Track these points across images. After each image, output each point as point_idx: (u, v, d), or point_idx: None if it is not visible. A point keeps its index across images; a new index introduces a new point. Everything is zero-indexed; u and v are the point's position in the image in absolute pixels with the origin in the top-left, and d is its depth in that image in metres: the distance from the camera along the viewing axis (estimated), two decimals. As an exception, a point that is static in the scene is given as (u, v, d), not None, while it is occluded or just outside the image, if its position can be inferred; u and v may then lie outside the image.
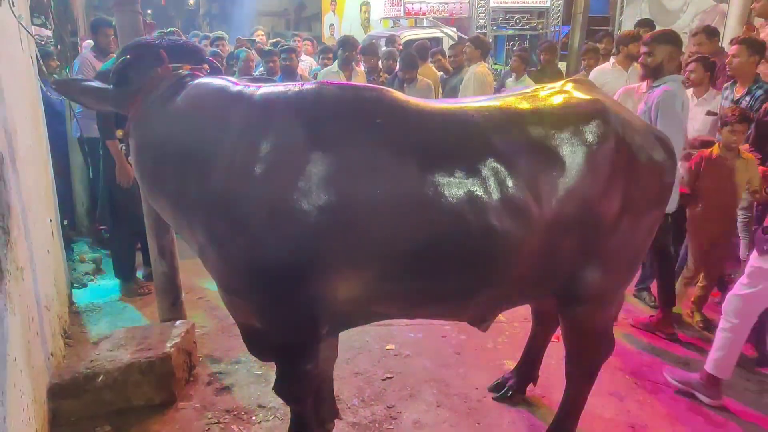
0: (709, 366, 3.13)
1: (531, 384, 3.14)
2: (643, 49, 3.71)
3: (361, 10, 15.57)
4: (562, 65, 8.10)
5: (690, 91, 4.51)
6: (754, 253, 2.99)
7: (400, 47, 7.70)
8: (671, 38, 3.73)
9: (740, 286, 3.06)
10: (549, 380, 3.15)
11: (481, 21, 10.24)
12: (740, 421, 3.05)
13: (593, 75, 5.70)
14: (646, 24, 6.31)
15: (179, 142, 2.17)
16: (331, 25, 17.11)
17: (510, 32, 10.41)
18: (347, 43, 5.87)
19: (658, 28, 6.31)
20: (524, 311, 3.15)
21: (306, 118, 2.08)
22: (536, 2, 10.28)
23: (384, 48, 7.50)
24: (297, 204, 2.00)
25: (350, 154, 2.05)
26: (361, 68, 6.19)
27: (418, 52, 6.31)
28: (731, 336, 3.06)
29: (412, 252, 2.09)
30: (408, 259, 2.10)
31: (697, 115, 4.67)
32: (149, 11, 18.85)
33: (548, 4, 10.22)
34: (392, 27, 12.03)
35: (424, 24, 11.32)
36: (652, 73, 3.68)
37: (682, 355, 3.69)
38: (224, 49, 6.89)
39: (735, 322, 3.05)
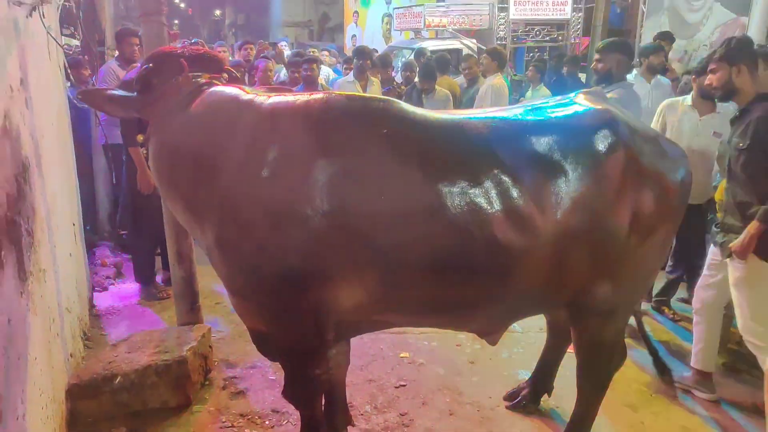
0: (693, 361, 3.34)
1: (545, 395, 3.12)
2: (596, 56, 3.88)
3: (383, 21, 15.73)
4: (583, 76, 8.08)
5: None
6: (712, 246, 3.17)
7: None
8: (620, 47, 3.90)
9: (703, 278, 3.31)
10: (563, 391, 3.12)
11: (501, 33, 10.26)
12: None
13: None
14: (665, 36, 6.26)
15: (192, 147, 2.24)
16: (354, 36, 17.30)
17: (530, 44, 10.41)
18: (362, 53, 5.98)
19: (677, 41, 6.31)
20: (540, 321, 3.14)
21: (313, 127, 2.12)
22: (556, 14, 10.27)
23: (407, 58, 7.58)
24: (302, 211, 2.04)
25: (356, 164, 2.08)
26: (378, 78, 6.26)
27: (437, 64, 6.36)
28: (704, 327, 3.29)
29: (417, 262, 2.10)
30: (413, 269, 2.11)
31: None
32: (176, 21, 19.23)
33: (568, 16, 10.20)
34: (413, 38, 12.10)
35: (445, 36, 11.37)
36: (603, 80, 3.78)
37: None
38: (251, 53, 7.06)
39: (704, 313, 3.29)
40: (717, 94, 3.03)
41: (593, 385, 2.55)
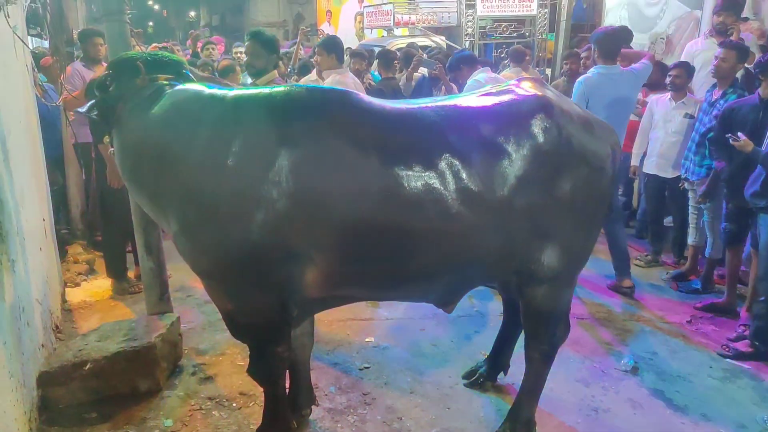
0: None
1: (502, 373, 3.28)
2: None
3: (355, 20, 15.79)
4: (549, 71, 8.31)
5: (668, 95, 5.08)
6: None
7: (423, 55, 7.75)
8: None
9: None
10: (520, 369, 3.27)
11: (469, 29, 10.43)
12: (699, 403, 3.18)
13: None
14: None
15: (156, 141, 2.38)
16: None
17: (498, 40, 10.58)
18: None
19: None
20: (499, 306, 3.30)
21: (275, 117, 2.28)
22: (523, 10, 10.45)
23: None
24: (267, 196, 2.18)
25: (316, 150, 2.23)
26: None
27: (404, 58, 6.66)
28: None
29: (379, 241, 2.26)
30: (372, 247, 2.28)
31: (675, 117, 4.94)
32: (150, 23, 19.13)
33: (535, 12, 10.40)
34: (385, 36, 12.23)
35: (416, 33, 11.52)
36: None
37: (649, 345, 3.83)
38: (215, 53, 7.12)
39: None
40: None
41: (540, 356, 2.70)
